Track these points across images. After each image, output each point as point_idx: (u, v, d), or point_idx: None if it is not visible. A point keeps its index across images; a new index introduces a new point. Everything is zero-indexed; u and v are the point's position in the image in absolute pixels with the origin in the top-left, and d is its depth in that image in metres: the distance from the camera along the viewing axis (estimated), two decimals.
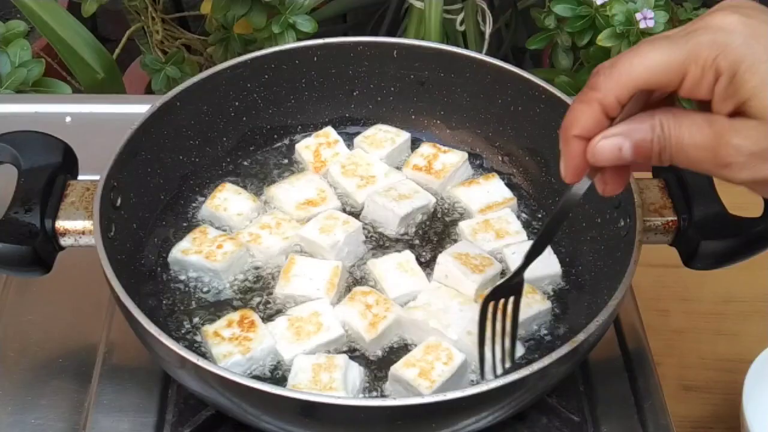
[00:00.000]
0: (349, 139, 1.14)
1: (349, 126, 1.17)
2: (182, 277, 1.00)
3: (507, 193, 1.09)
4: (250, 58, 1.09)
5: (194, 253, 1.00)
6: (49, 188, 0.95)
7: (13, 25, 1.41)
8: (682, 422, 1.02)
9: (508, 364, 0.86)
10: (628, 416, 0.93)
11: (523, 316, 0.93)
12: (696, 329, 1.13)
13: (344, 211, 1.07)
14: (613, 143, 0.69)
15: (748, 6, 0.67)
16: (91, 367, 0.97)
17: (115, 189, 0.95)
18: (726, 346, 1.11)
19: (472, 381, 0.92)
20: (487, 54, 1.30)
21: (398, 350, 0.95)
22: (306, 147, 1.13)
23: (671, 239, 0.97)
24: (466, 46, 1.60)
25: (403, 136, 1.14)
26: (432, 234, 1.06)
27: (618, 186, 0.75)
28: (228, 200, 1.06)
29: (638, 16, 1.31)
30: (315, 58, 1.12)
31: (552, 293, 1.00)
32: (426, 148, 1.13)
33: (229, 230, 1.04)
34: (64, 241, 0.95)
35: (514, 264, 0.99)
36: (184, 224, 1.06)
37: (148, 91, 1.73)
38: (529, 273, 0.98)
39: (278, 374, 0.92)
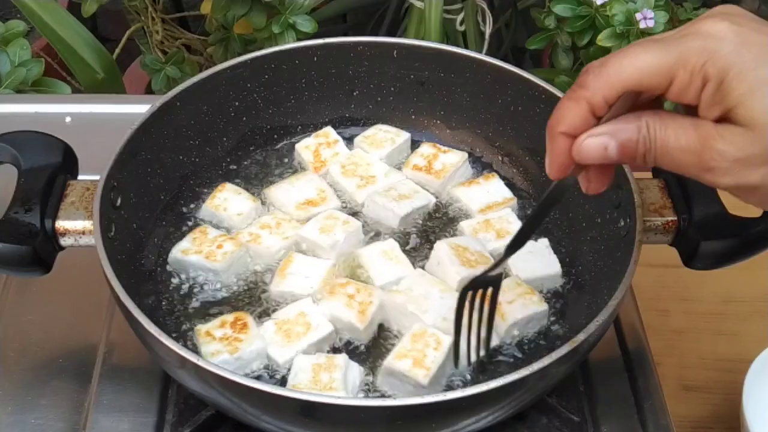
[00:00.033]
0: (349, 139, 1.14)
1: (349, 126, 1.17)
2: (182, 277, 1.00)
3: (507, 193, 1.09)
4: (250, 58, 1.09)
5: (194, 253, 1.00)
6: (49, 188, 0.95)
7: (12, 24, 1.41)
8: (682, 422, 1.02)
9: (482, 353, 0.87)
10: (628, 416, 0.93)
11: (519, 316, 0.94)
12: (696, 329, 1.14)
13: (344, 211, 1.07)
14: (598, 142, 0.70)
15: (738, 14, 0.67)
16: (91, 367, 0.98)
17: (115, 189, 0.95)
18: (726, 346, 1.11)
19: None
20: (487, 54, 1.30)
21: (385, 342, 0.95)
22: (306, 147, 1.13)
23: (671, 239, 0.97)
24: (466, 46, 1.60)
25: (403, 136, 1.14)
26: (432, 234, 1.06)
27: (601, 185, 0.75)
28: (228, 200, 1.06)
29: (638, 16, 1.31)
30: (315, 58, 1.12)
31: (552, 293, 1.00)
32: (426, 148, 1.13)
33: (228, 230, 1.04)
34: (64, 241, 0.95)
35: (513, 264, 0.99)
36: (184, 224, 1.06)
37: (148, 91, 1.73)
38: (529, 273, 0.99)
39: (278, 375, 0.92)
